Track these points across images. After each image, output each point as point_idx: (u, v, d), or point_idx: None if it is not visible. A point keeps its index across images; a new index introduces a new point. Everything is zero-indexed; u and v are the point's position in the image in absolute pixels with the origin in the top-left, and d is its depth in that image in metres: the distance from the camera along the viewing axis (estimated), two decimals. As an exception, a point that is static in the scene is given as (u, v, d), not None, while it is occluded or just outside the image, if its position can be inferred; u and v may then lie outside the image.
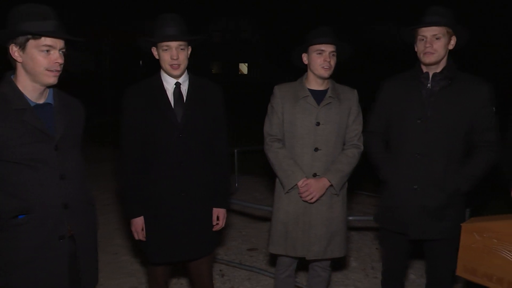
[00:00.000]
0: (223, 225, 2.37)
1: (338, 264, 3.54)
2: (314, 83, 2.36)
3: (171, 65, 2.14)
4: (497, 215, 1.94)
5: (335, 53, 2.30)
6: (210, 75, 39.72)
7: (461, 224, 1.94)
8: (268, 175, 2.49)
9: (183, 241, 2.21)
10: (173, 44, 2.11)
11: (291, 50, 2.42)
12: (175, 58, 2.11)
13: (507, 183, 2.29)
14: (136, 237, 2.26)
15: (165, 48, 2.12)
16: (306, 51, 2.35)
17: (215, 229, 2.35)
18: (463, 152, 2.23)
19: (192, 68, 2.33)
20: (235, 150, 5.76)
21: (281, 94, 2.39)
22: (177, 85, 2.21)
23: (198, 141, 2.20)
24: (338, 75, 2.41)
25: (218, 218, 2.35)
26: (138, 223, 2.23)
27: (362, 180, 5.24)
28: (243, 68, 40.90)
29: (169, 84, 2.21)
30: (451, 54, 2.23)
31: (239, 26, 39.22)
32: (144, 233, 2.24)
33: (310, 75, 2.37)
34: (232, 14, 39.74)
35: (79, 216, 1.78)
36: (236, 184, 5.82)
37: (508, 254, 1.79)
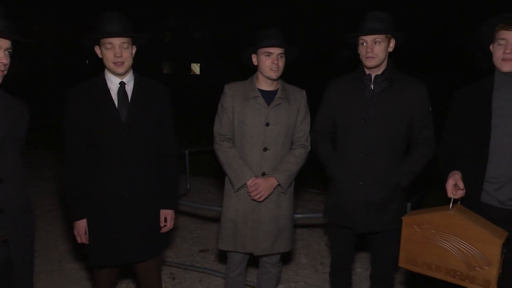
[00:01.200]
0: (171, 227, 2.35)
1: (288, 261, 3.61)
2: (264, 84, 2.40)
3: (114, 63, 2.10)
4: (434, 207, 2.04)
5: (283, 55, 2.35)
6: (162, 75, 39.01)
7: (402, 218, 2.04)
8: (220, 176, 2.50)
9: (127, 243, 2.17)
10: (116, 41, 2.08)
11: (242, 50, 2.44)
12: (118, 55, 2.08)
13: (443, 178, 2.44)
14: (79, 241, 2.20)
15: (108, 45, 2.08)
16: (255, 52, 2.39)
17: (163, 231, 2.32)
18: (403, 149, 2.36)
19: (143, 68, 2.29)
20: (186, 151, 5.69)
21: (232, 93, 2.40)
22: (122, 84, 2.17)
23: (144, 141, 2.17)
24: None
25: (166, 220, 2.32)
26: (81, 225, 2.17)
27: (312, 179, 5.39)
28: (195, 68, 40.50)
29: (113, 83, 2.17)
30: (390, 56, 2.35)
31: (190, 26, 38.79)
32: (87, 236, 2.18)
33: (260, 75, 2.41)
34: (182, 13, 39.25)
35: (15, 221, 1.70)
36: (188, 185, 5.76)
37: (445, 243, 1.90)
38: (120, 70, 2.12)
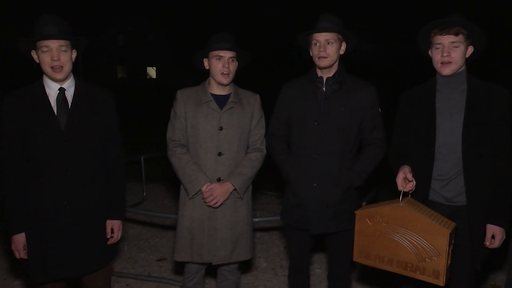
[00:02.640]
0: (119, 238, 2.27)
1: (248, 265, 3.59)
2: (216, 88, 2.38)
3: (52, 68, 2.00)
4: (385, 201, 2.09)
5: (234, 59, 2.33)
6: (115, 79, 37.97)
7: (355, 212, 2.08)
8: (178, 182, 2.44)
9: (68, 257, 2.07)
10: (53, 44, 1.98)
11: (193, 54, 2.41)
12: (55, 59, 1.98)
13: (394, 176, 2.52)
14: (17, 256, 2.08)
15: (45, 49, 1.98)
16: (206, 56, 2.36)
17: (110, 242, 2.24)
18: (355, 149, 2.41)
19: (95, 72, 2.20)
20: (142, 157, 5.56)
21: (184, 99, 2.37)
22: (61, 90, 2.08)
23: (86, 149, 2.09)
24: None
25: (112, 231, 2.24)
26: (19, 240, 2.05)
27: (271, 181, 5.42)
28: (151, 72, 39.71)
29: (51, 89, 2.07)
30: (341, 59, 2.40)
31: (145, 28, 38.00)
32: (26, 251, 2.06)
33: (212, 80, 2.39)
34: (137, 15, 38.39)
35: None
36: (144, 193, 5.62)
37: (396, 235, 1.94)
38: (58, 76, 2.03)
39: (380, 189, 4.33)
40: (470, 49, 2.11)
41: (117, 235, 2.24)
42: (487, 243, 2.09)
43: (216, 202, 2.30)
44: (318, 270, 3.55)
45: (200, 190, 2.30)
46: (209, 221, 2.35)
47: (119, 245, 3.99)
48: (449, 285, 2.18)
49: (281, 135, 2.51)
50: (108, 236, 2.22)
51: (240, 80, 2.47)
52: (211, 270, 2.82)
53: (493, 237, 2.08)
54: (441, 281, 1.85)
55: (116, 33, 38.26)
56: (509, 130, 2.06)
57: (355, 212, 2.06)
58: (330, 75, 2.34)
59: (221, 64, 2.29)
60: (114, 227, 2.23)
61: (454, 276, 2.11)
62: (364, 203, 3.72)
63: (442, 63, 2.08)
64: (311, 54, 2.36)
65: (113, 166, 2.21)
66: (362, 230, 2.03)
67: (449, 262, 1.88)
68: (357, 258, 2.06)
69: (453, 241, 1.91)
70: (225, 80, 2.31)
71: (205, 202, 2.32)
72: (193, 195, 2.31)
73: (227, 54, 2.29)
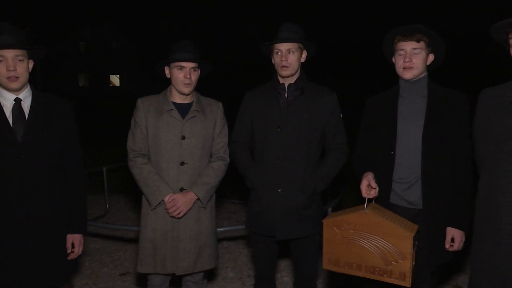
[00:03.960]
0: (80, 252, 2.20)
1: (215, 276, 3.57)
2: (178, 97, 2.37)
3: (8, 78, 1.94)
4: (352, 208, 2.13)
5: (197, 68, 2.34)
6: (77, 88, 36.93)
7: (322, 220, 2.12)
8: (141, 193, 2.40)
9: (27, 273, 1.99)
10: (8, 54, 1.92)
11: (156, 63, 2.40)
12: (11, 69, 1.93)
13: (358, 182, 2.58)
14: None
15: (0, 58, 1.91)
16: (168, 65, 2.35)
17: (70, 257, 2.17)
18: (318, 155, 2.46)
19: (55, 81, 2.13)
20: (104, 168, 5.42)
21: (144, 108, 2.35)
22: (17, 101, 2.02)
23: (44, 161, 2.02)
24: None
25: (73, 245, 2.17)
26: None
27: (238, 189, 5.41)
28: (115, 80, 38.91)
29: (7, 100, 2.01)
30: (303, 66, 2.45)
31: (108, 35, 37.26)
32: None
33: (173, 88, 2.38)
34: (99, 22, 37.64)
35: None
36: (107, 205, 5.48)
37: (363, 241, 1.99)
38: (15, 85, 1.96)
39: (346, 194, 4.43)
40: (431, 57, 2.22)
41: (77, 250, 2.18)
42: (447, 246, 2.17)
43: (179, 213, 2.28)
44: (286, 278, 3.57)
45: (163, 200, 2.28)
46: (172, 231, 2.33)
47: (80, 260, 3.86)
48: (412, 286, 2.25)
49: (244, 142, 2.52)
50: (69, 251, 2.15)
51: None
52: (176, 282, 2.78)
53: (453, 240, 2.16)
54: (407, 282, 1.92)
55: (77, 40, 37.29)
56: (468, 135, 2.15)
57: (322, 221, 2.10)
58: (292, 81, 2.38)
59: (183, 74, 2.29)
60: (74, 242, 2.16)
61: (416, 278, 2.18)
62: (330, 209, 3.79)
63: (404, 68, 2.17)
64: (273, 62, 2.40)
65: (73, 179, 2.15)
66: (330, 238, 2.07)
67: (413, 263, 1.95)
68: (326, 265, 2.10)
69: (416, 243, 1.98)
70: (186, 90, 2.31)
71: (167, 212, 2.30)
72: (156, 205, 2.29)
73: (188, 65, 2.29)
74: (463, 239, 2.16)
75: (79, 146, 2.19)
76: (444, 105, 2.16)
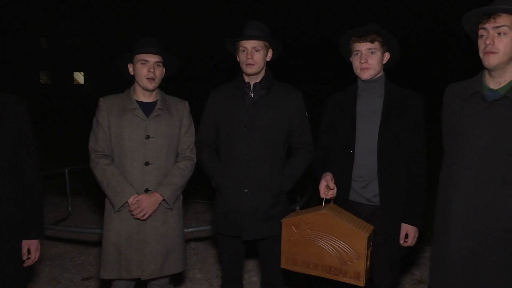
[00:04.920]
0: (37, 259, 2.11)
1: (182, 278, 3.53)
2: (142, 95, 2.33)
3: None
4: (310, 208, 2.18)
5: (160, 64, 2.30)
6: (38, 85, 35.65)
7: (281, 220, 2.14)
8: (105, 195, 2.34)
9: None
10: None
11: (118, 58, 2.35)
12: None
13: (317, 181, 2.61)
14: None
15: None
16: (131, 61, 2.30)
17: (26, 264, 2.08)
18: (284, 154, 2.48)
19: (15, 78, 2.02)
20: (66, 170, 5.26)
21: (107, 107, 2.29)
22: None
23: None
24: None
25: (29, 251, 2.08)
26: None
27: (207, 190, 5.39)
28: (79, 77, 37.79)
29: None
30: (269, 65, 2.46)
31: (72, 31, 36.13)
32: None
33: (137, 86, 2.34)
34: (62, 17, 36.46)
35: None
36: (70, 208, 5.32)
37: (320, 241, 2.03)
38: None
39: (314, 193, 4.49)
40: (387, 56, 2.27)
41: (34, 256, 2.08)
42: (401, 241, 2.24)
43: (144, 214, 2.24)
44: (255, 278, 3.58)
45: (127, 202, 2.23)
46: (137, 234, 2.28)
47: (40, 266, 3.74)
48: (373, 283, 2.31)
49: (210, 143, 2.51)
50: (24, 257, 2.06)
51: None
52: (142, 286, 2.73)
53: (407, 236, 2.23)
54: (361, 282, 1.98)
55: (38, 35, 35.98)
56: (423, 134, 2.23)
57: (281, 220, 2.13)
58: (257, 80, 2.39)
59: (146, 69, 2.25)
60: (30, 248, 2.07)
61: (376, 273, 2.24)
62: (297, 208, 3.84)
63: (360, 69, 2.22)
64: (238, 60, 2.40)
65: (28, 182, 2.04)
66: (288, 237, 2.10)
67: (368, 263, 2.00)
68: (284, 265, 2.13)
69: (371, 243, 2.04)
70: (150, 85, 2.27)
71: (132, 215, 2.25)
72: (119, 207, 2.24)
73: (152, 59, 2.26)
74: (417, 235, 2.23)
75: (34, 148, 2.09)
76: (400, 105, 2.22)
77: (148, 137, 2.28)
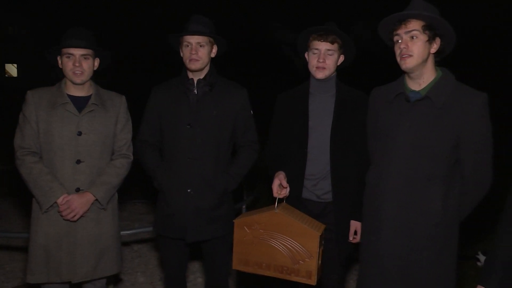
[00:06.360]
0: None
1: (123, 281, 3.45)
2: (74, 89, 2.26)
3: None
4: (263, 208, 2.21)
5: (88, 57, 2.23)
6: (-37, 77, 33.16)
7: (233, 220, 2.16)
8: (31, 195, 2.23)
9: None
10: None
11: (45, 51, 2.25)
12: None
13: (270, 180, 2.65)
14: None
15: None
16: (60, 53, 2.23)
17: None
18: (229, 152, 2.49)
19: None
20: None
21: (35, 101, 2.20)
22: None
23: None
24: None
25: None
26: None
27: (150, 189, 5.27)
28: (11, 69, 35.56)
29: None
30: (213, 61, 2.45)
31: (3, 19, 33.88)
32: None
33: (68, 80, 2.25)
34: (-9, 4, 34.14)
35: None
36: (-3, 211, 5.02)
37: (273, 241, 2.07)
38: None
39: (262, 192, 4.53)
40: (342, 58, 2.36)
41: None
42: (350, 238, 2.33)
43: (75, 215, 2.17)
44: (200, 279, 3.57)
45: (56, 202, 2.15)
46: (67, 236, 2.21)
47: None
48: (321, 278, 2.37)
49: (152, 141, 2.47)
50: None
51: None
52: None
53: (356, 232, 2.32)
54: (313, 281, 2.03)
55: (-37, 22, 33.45)
56: None
57: (234, 221, 2.14)
58: (201, 77, 2.38)
59: (72, 63, 2.18)
60: None
61: (326, 269, 2.31)
62: (244, 207, 3.86)
63: (317, 67, 2.28)
64: (181, 56, 2.37)
65: None
66: (241, 238, 2.12)
67: (319, 262, 2.06)
68: (236, 266, 2.15)
69: (323, 242, 2.10)
70: (77, 79, 2.21)
71: (61, 215, 2.18)
72: (47, 208, 2.16)
73: (78, 52, 2.19)
74: None
75: None
76: (350, 105, 2.31)
77: (80, 133, 2.21)
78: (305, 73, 2.43)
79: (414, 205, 1.88)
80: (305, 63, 2.38)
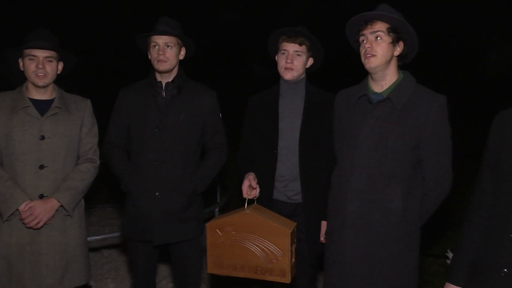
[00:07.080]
0: None
1: (92, 290, 3.39)
2: (35, 92, 2.21)
3: None
4: (234, 210, 2.23)
5: (51, 59, 2.19)
6: None
7: (205, 224, 2.17)
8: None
9: None
10: None
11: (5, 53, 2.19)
12: None
13: (240, 181, 2.66)
14: None
15: None
16: (21, 55, 2.18)
17: None
18: (198, 155, 2.49)
19: None
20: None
21: None
22: None
23: None
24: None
25: None
26: None
27: (119, 194, 5.19)
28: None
29: None
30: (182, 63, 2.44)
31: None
32: None
33: (29, 83, 2.21)
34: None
35: None
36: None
37: (245, 242, 2.09)
38: None
39: (234, 194, 4.53)
40: (311, 61, 2.40)
41: None
42: (321, 238, 2.37)
43: (38, 223, 2.12)
44: (171, 284, 3.53)
45: (17, 210, 2.10)
46: (30, 245, 2.15)
47: None
48: (293, 281, 2.40)
49: (119, 144, 2.45)
50: None
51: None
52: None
53: None
54: (287, 279, 2.06)
55: None
56: None
57: (206, 224, 2.15)
58: (170, 79, 2.38)
59: (34, 65, 2.13)
60: None
61: (297, 269, 2.34)
62: (217, 210, 3.86)
63: (285, 68, 2.32)
64: (149, 57, 2.35)
65: None
66: (214, 241, 2.13)
67: (293, 260, 2.09)
68: (211, 269, 2.16)
69: (295, 240, 2.12)
70: (40, 82, 2.16)
71: (24, 223, 2.12)
72: (8, 216, 2.10)
73: (41, 54, 2.14)
74: None
75: None
76: (319, 107, 2.36)
77: (43, 137, 2.16)
78: (265, 81, 2.45)
79: (376, 205, 1.93)
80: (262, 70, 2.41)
